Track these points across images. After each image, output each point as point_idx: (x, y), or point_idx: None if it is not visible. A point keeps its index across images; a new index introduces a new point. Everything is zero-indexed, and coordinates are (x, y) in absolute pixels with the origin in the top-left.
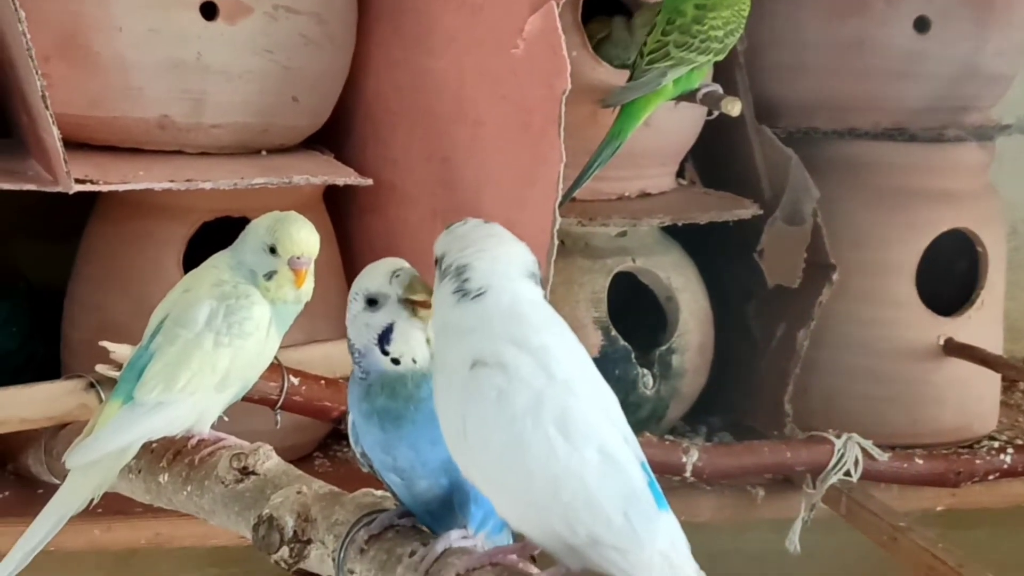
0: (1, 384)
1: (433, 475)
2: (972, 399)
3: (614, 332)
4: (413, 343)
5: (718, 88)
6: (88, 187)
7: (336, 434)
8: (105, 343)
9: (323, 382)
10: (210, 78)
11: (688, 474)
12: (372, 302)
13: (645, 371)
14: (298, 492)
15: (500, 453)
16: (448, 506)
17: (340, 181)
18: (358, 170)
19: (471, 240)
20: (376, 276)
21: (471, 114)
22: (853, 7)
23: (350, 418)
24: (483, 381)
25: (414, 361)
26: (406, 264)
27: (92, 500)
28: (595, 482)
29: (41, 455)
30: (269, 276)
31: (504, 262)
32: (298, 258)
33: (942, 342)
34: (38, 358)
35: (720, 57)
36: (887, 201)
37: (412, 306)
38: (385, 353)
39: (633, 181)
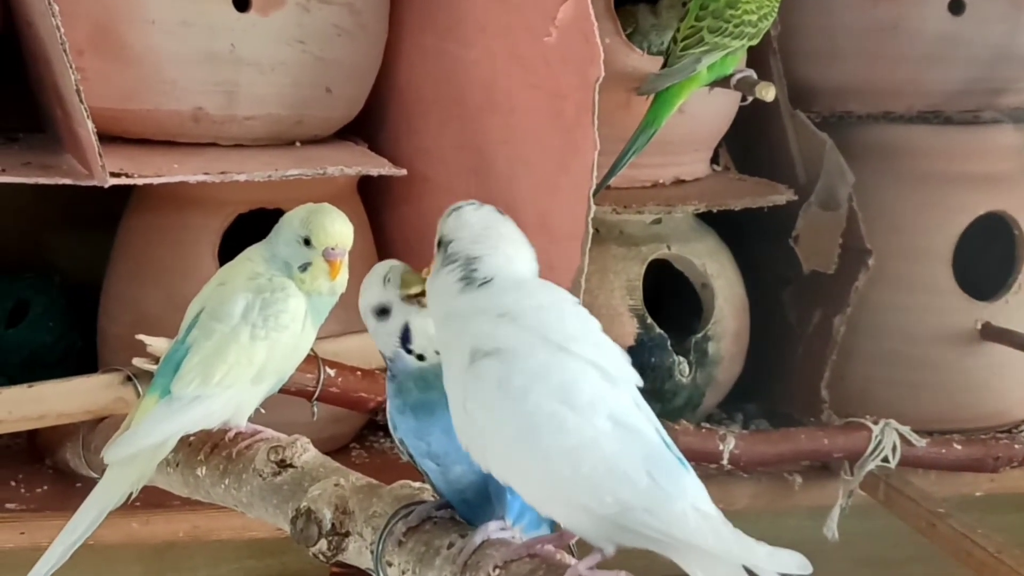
0: (38, 378)
1: (467, 460)
2: (1010, 384)
3: (649, 320)
4: (432, 335)
5: (752, 74)
6: (123, 181)
7: (373, 425)
8: (141, 336)
9: (359, 373)
10: (243, 70)
11: (725, 462)
12: (381, 312)
13: (681, 359)
14: (336, 485)
15: (513, 438)
16: (485, 496)
17: (374, 171)
18: (391, 160)
19: (482, 233)
20: (372, 287)
21: (504, 103)
22: None
23: (390, 406)
24: (483, 372)
25: (437, 352)
26: (394, 263)
27: (131, 494)
28: (612, 448)
29: (79, 449)
30: (304, 268)
31: (515, 262)
32: (333, 249)
33: (979, 327)
34: (74, 352)
35: (754, 42)
36: (923, 185)
37: (416, 300)
38: (410, 352)
39: (667, 168)
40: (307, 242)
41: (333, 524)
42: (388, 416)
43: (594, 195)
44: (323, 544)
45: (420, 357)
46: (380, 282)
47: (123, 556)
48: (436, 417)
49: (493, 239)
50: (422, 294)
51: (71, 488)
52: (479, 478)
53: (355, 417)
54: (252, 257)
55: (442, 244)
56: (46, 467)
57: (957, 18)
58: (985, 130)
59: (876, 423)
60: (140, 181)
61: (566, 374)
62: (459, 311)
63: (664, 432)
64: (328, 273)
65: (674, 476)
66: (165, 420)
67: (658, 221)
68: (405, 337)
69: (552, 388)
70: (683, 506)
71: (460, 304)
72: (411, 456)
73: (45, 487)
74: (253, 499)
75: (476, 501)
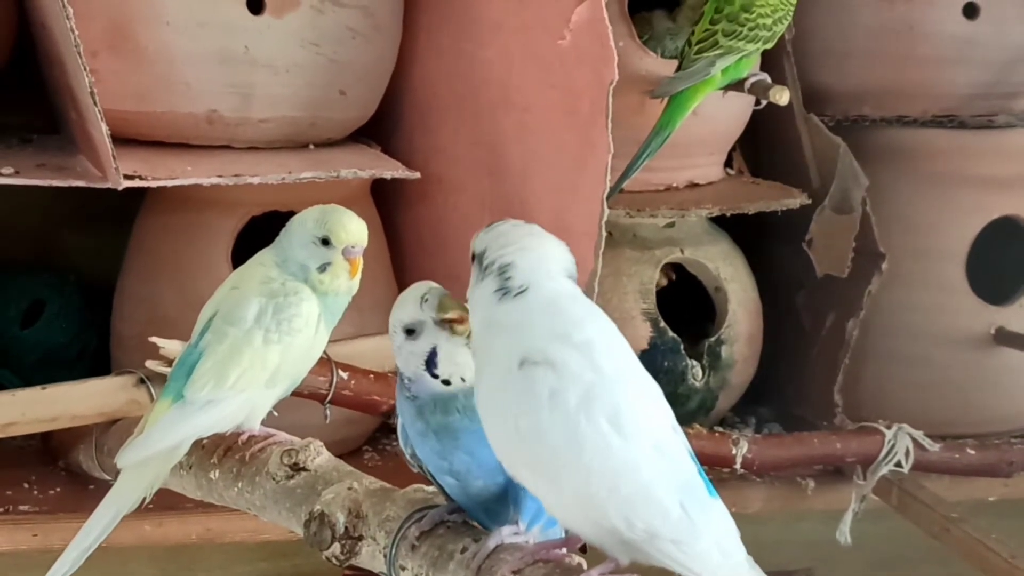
0: (53, 378)
1: (489, 475)
2: None
3: (663, 323)
4: (460, 362)
5: (766, 77)
6: (137, 183)
7: (385, 428)
8: (155, 339)
9: (372, 376)
10: (257, 72)
11: (738, 466)
12: (410, 331)
13: (694, 362)
14: (349, 488)
15: (555, 451)
16: (502, 501)
17: (388, 174)
18: (405, 161)
19: (513, 238)
20: (407, 305)
21: (518, 103)
22: None
23: (400, 422)
24: (535, 380)
25: (463, 380)
26: (433, 285)
27: (144, 498)
28: (651, 475)
29: (92, 451)
30: (323, 268)
31: (546, 260)
32: (352, 247)
33: (993, 331)
34: (89, 352)
35: (769, 45)
36: (937, 188)
37: (449, 324)
38: (435, 376)
39: (681, 171)
40: (325, 242)
41: (346, 528)
42: (399, 430)
43: (608, 198)
44: (336, 548)
45: (446, 382)
46: (416, 301)
47: (136, 558)
48: (460, 440)
49: (523, 242)
50: (457, 320)
51: (84, 490)
52: (499, 488)
53: (368, 420)
54: (264, 261)
55: (476, 257)
56: (59, 469)
57: (971, 22)
58: (999, 134)
59: (889, 427)
60: (154, 183)
61: (616, 396)
62: (500, 321)
63: (695, 457)
64: (349, 272)
65: (704, 509)
66: (178, 424)
67: (671, 224)
68: (431, 361)
69: (603, 407)
70: (708, 544)
71: (500, 314)
72: (423, 469)
73: (58, 489)
74: (266, 502)
75: (494, 508)
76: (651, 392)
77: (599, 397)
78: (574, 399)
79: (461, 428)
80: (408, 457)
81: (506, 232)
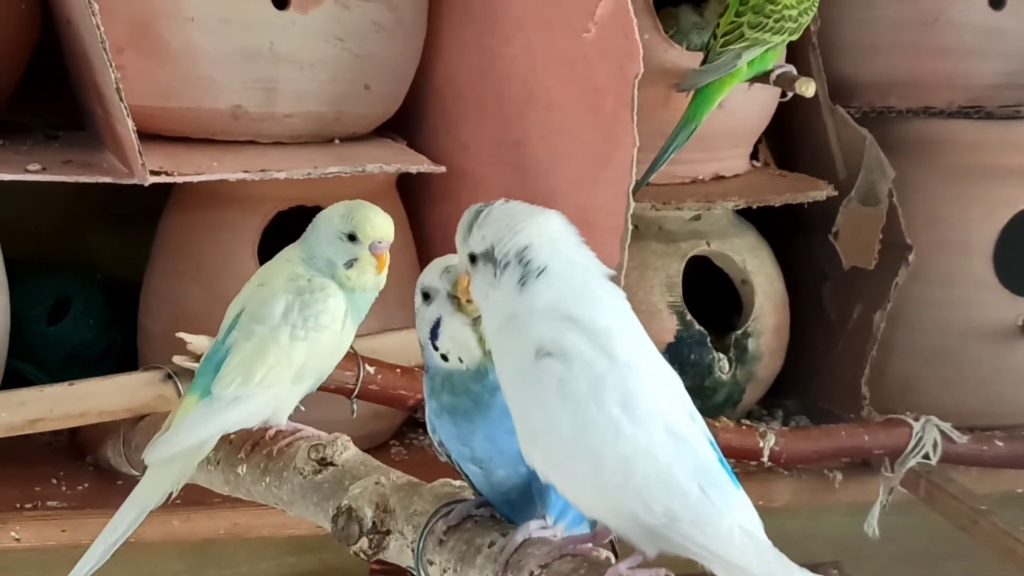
0: (79, 375)
1: (511, 464)
2: None
3: (689, 316)
4: (460, 341)
5: (792, 69)
6: (163, 179)
7: (412, 422)
8: (182, 334)
9: (399, 370)
10: (282, 67)
11: (765, 459)
12: (426, 296)
13: (721, 355)
14: (376, 483)
15: (568, 441)
16: (527, 496)
17: (413, 169)
18: (430, 156)
19: (515, 220)
20: (431, 270)
21: (542, 98)
22: None
23: (427, 408)
24: (545, 372)
25: (460, 360)
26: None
27: (171, 493)
28: (666, 459)
29: (120, 447)
30: (350, 264)
31: (556, 231)
32: (379, 243)
33: (1021, 322)
34: (115, 349)
35: (794, 37)
36: (963, 180)
37: (458, 301)
38: (435, 348)
39: (707, 164)
40: (352, 238)
41: (374, 522)
42: (427, 419)
43: (635, 192)
44: (364, 542)
45: (444, 357)
46: (439, 269)
47: (163, 553)
48: (476, 425)
49: (526, 220)
50: (466, 300)
51: (112, 486)
52: (523, 480)
53: (394, 414)
54: (290, 258)
55: (478, 258)
56: (87, 465)
57: (997, 12)
58: None
59: (917, 419)
60: (180, 179)
61: (628, 383)
62: (520, 310)
63: (717, 446)
64: (376, 267)
65: (724, 492)
66: (206, 421)
67: (697, 217)
68: (434, 331)
69: (613, 395)
70: (730, 523)
71: (523, 303)
72: (450, 458)
73: (86, 485)
74: (294, 497)
75: (518, 501)
76: (666, 378)
77: (610, 384)
78: (585, 387)
79: (473, 411)
80: (436, 444)
81: (502, 217)
